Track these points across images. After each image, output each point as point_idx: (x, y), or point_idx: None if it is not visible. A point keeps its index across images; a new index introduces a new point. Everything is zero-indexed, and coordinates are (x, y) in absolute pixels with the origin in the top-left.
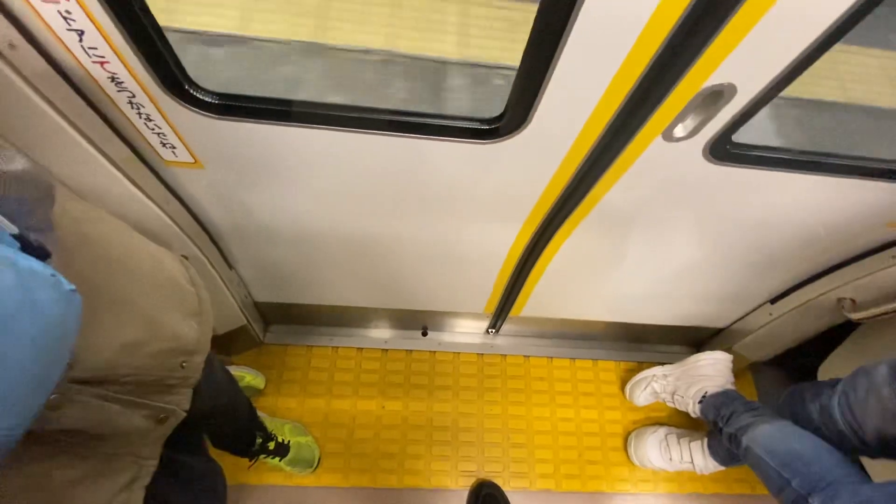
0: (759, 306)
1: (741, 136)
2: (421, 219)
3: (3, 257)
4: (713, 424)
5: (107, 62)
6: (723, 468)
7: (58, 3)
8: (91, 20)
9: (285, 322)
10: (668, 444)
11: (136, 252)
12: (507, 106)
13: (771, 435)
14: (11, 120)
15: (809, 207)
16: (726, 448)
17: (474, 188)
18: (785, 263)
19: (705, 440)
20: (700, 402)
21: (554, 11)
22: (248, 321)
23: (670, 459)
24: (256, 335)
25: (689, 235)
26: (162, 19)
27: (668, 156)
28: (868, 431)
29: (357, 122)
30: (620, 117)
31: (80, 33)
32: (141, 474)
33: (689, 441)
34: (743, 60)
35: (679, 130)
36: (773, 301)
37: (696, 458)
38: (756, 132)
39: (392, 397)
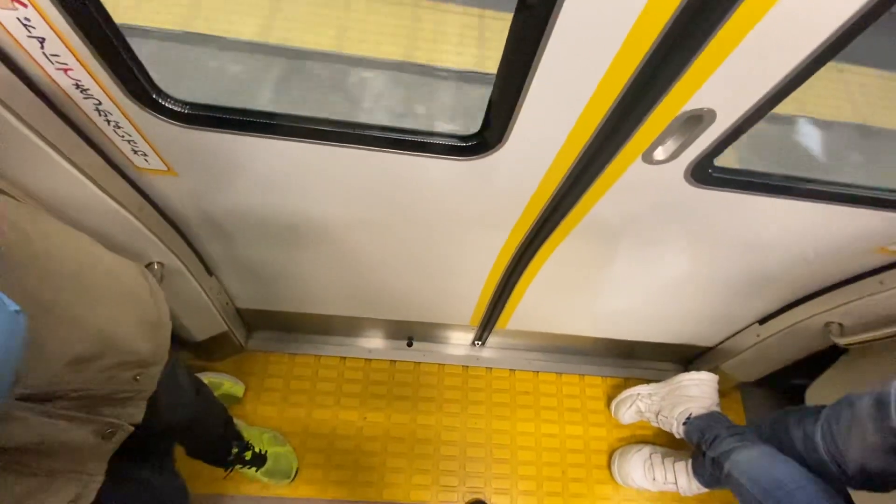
0: (748, 326)
1: (724, 158)
2: (402, 229)
3: None
4: (697, 447)
5: (70, 69)
6: (707, 490)
7: (15, 9)
8: (50, 27)
9: (269, 329)
10: (652, 464)
11: (91, 266)
12: (483, 124)
13: (753, 461)
14: None
15: (795, 232)
16: (709, 471)
17: (455, 202)
18: (773, 285)
19: (690, 461)
20: (685, 423)
21: (527, 28)
22: (229, 328)
23: (654, 479)
24: (238, 341)
25: (675, 254)
26: (121, 16)
27: (649, 178)
28: (850, 463)
29: (331, 136)
30: (599, 138)
31: (42, 40)
32: (86, 491)
33: (674, 461)
34: (721, 86)
35: (659, 153)
36: (762, 322)
37: (681, 479)
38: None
39: (374, 408)
